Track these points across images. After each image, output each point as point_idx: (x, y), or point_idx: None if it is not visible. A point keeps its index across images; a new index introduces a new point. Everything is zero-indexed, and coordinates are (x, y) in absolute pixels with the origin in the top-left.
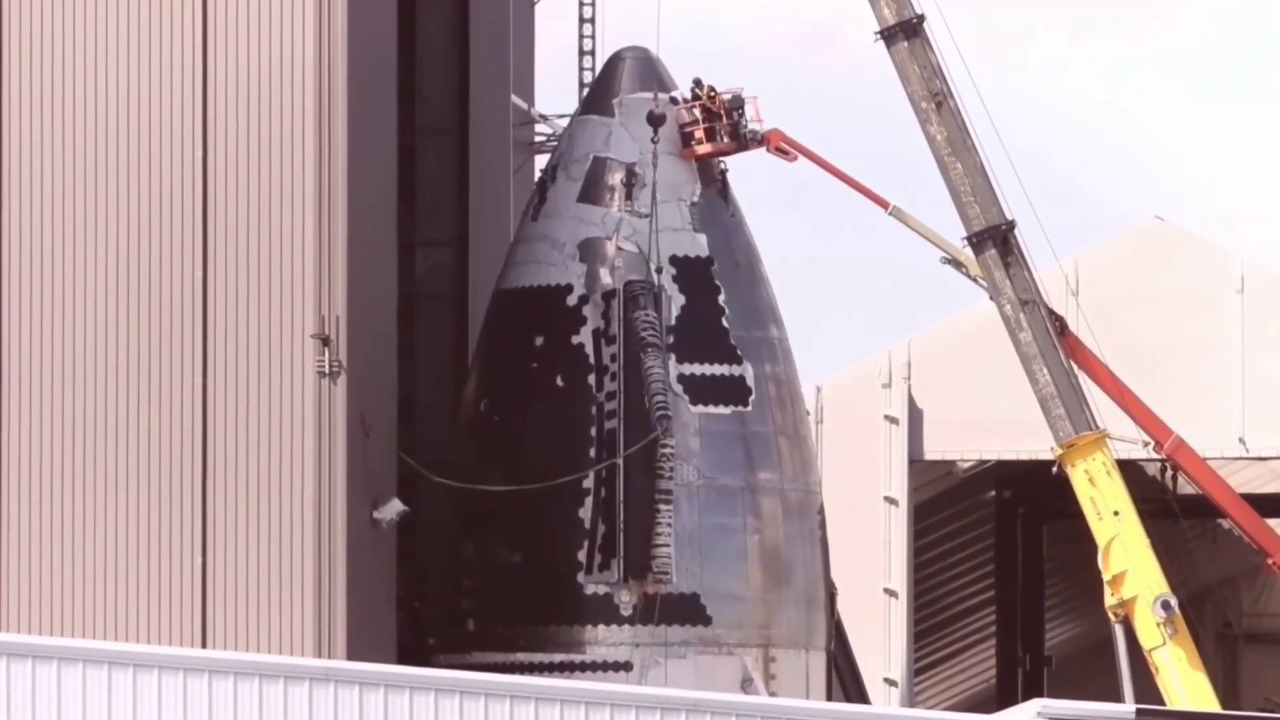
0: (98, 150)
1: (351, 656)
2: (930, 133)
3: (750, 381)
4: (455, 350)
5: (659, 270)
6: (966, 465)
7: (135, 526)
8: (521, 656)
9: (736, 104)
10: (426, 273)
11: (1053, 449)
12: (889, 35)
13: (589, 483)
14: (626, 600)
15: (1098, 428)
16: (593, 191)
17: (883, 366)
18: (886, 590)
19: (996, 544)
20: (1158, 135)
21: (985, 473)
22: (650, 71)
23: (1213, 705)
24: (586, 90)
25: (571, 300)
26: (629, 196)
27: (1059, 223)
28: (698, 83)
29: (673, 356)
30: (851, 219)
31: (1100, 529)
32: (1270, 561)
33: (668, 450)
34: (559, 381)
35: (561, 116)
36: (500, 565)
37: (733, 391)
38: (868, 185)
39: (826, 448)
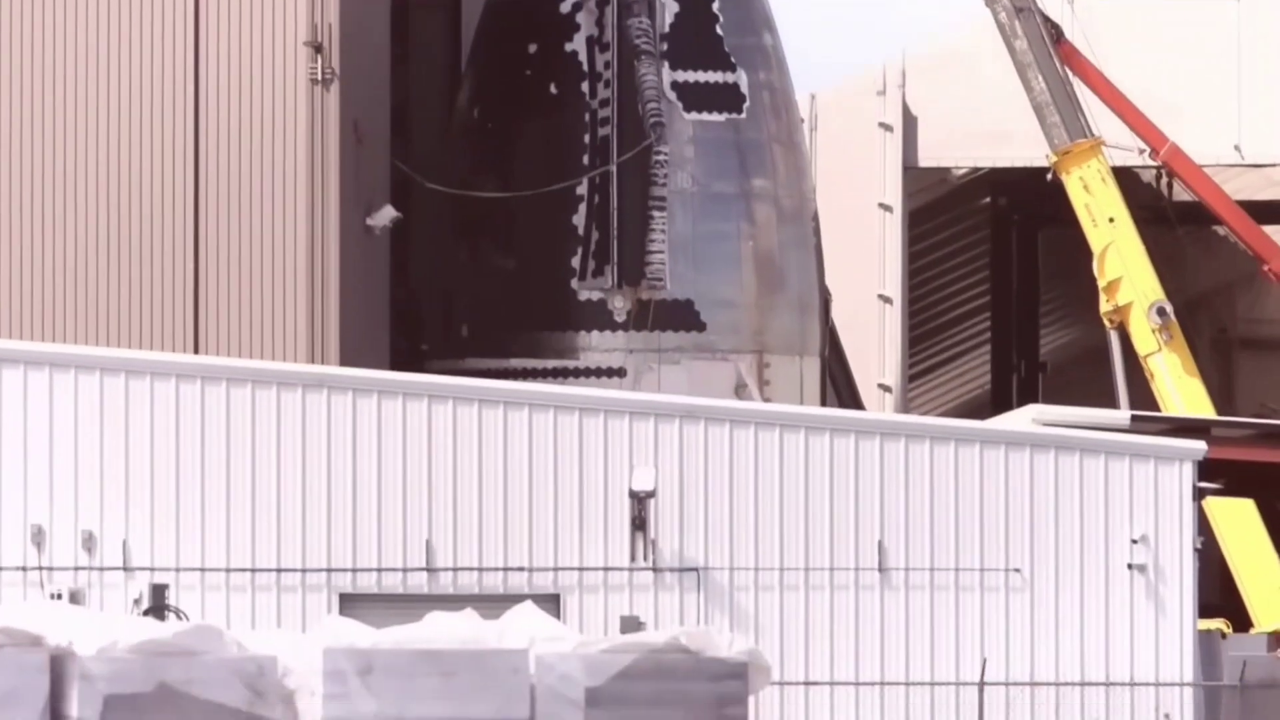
0: None
1: (344, 363)
2: None
3: (744, 88)
4: (449, 58)
5: None
6: (961, 172)
7: (127, 233)
8: (515, 362)
9: None
10: None
11: (1048, 156)
12: None
13: (583, 189)
14: (620, 306)
15: (1093, 135)
16: None
17: (877, 74)
18: (881, 296)
19: (991, 250)
20: None
21: (980, 180)
22: None
23: (1207, 411)
24: None
25: (565, 7)
26: None
27: None
28: None
29: (666, 64)
30: None
31: (1095, 236)
32: (1266, 268)
33: (661, 157)
34: (552, 89)
35: None
36: (494, 271)
37: (727, 98)
38: None
39: (821, 155)
